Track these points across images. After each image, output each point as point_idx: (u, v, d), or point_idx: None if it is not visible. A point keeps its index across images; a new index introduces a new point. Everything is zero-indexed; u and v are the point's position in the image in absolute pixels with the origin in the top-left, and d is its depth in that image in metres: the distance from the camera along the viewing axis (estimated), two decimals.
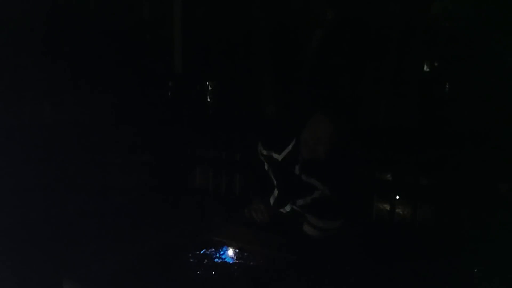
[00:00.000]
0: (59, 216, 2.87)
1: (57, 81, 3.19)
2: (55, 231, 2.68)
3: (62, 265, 2.22)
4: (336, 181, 2.18)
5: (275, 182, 2.33)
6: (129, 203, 3.15)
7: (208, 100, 3.81)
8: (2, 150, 2.64)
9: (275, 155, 2.29)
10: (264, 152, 2.33)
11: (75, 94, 3.22)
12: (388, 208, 3.14)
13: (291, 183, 2.25)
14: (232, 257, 2.00)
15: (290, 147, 2.24)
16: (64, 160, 3.02)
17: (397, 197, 3.15)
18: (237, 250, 2.03)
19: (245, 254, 2.00)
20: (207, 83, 3.77)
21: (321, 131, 2.08)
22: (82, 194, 3.01)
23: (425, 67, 3.60)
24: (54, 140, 3.00)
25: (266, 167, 2.36)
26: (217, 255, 2.00)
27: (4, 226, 2.67)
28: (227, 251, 2.02)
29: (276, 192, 2.32)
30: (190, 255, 1.98)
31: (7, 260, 2.33)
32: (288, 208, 2.31)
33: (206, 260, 1.95)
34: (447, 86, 3.56)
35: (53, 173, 2.96)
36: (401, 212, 3.26)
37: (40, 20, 3.01)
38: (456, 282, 1.97)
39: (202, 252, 2.01)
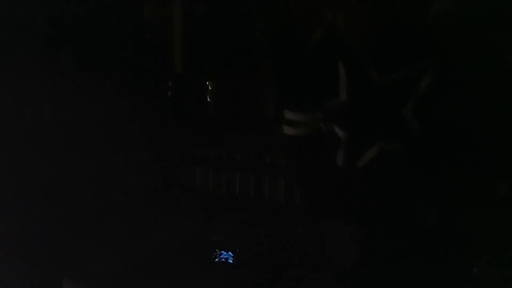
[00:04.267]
0: (59, 216, 2.86)
1: (56, 80, 3.18)
2: (55, 230, 2.68)
3: (62, 265, 2.21)
4: None
5: (341, 134, 1.93)
6: (129, 203, 3.14)
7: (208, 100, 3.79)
8: (2, 149, 2.64)
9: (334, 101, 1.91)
10: (317, 114, 1.96)
11: (73, 94, 3.21)
12: None
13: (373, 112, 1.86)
14: (232, 257, 1.99)
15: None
16: (64, 159, 3.01)
17: None
18: (237, 250, 2.03)
19: (245, 254, 2.00)
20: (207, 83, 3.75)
21: None
22: (82, 194, 3.00)
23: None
24: (54, 139, 3.00)
25: (323, 126, 1.95)
26: (217, 255, 1.99)
27: (4, 226, 2.66)
28: (226, 251, 2.02)
29: (346, 145, 1.91)
30: (190, 255, 1.98)
31: (7, 260, 2.32)
32: (370, 154, 1.87)
33: (206, 260, 1.94)
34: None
35: (53, 172, 2.95)
36: None
37: (37, 19, 3.00)
38: None
39: (202, 252, 2.01)
